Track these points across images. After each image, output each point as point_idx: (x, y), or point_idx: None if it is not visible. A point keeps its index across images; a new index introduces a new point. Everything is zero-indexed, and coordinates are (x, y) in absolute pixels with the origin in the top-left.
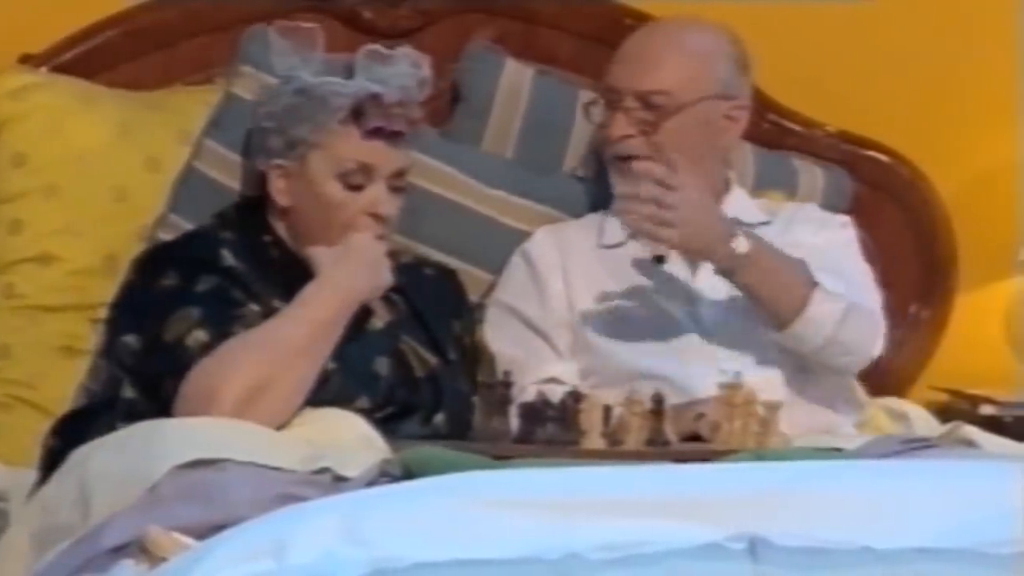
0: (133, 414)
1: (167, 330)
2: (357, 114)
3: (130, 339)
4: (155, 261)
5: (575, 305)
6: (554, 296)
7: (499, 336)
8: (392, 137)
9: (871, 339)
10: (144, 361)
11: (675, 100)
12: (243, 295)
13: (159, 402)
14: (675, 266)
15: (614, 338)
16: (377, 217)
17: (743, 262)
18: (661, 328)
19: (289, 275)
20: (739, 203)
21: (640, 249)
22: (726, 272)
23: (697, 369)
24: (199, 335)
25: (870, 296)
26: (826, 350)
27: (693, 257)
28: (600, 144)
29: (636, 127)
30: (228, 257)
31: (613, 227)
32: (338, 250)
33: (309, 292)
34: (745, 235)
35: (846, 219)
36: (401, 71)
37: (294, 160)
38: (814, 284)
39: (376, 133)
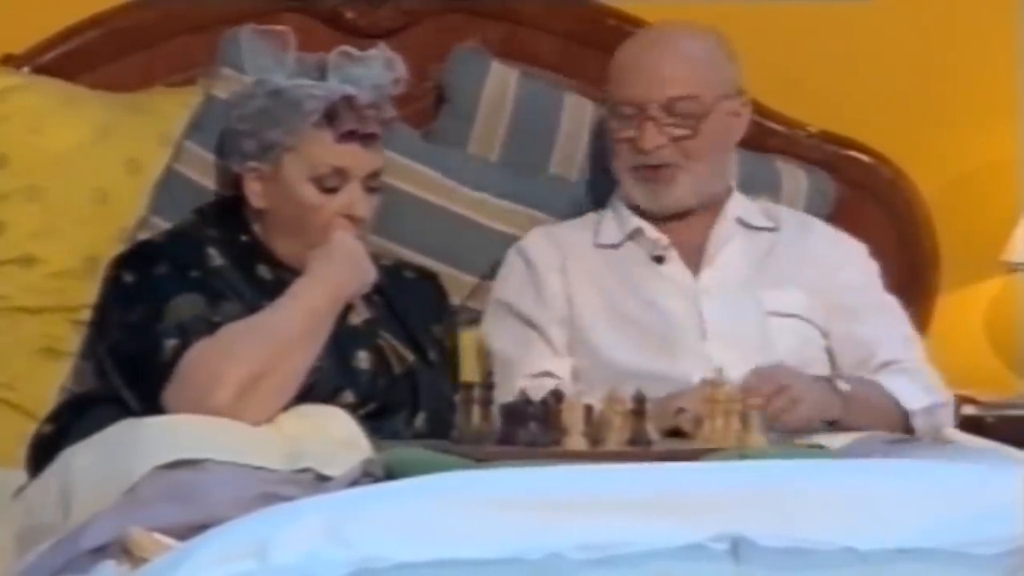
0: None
1: (168, 314)
2: (330, 117)
3: (123, 333)
4: (144, 256)
5: (575, 303)
6: (552, 293)
7: (497, 333)
8: (366, 139)
9: (947, 405)
10: (139, 344)
11: (702, 104)
12: (230, 292)
13: (146, 387)
14: (675, 266)
15: (613, 336)
16: (352, 218)
17: (849, 399)
18: (660, 328)
19: (269, 275)
20: (742, 205)
21: (638, 249)
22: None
23: (692, 368)
24: (201, 319)
25: (915, 344)
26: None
27: (820, 419)
28: (623, 155)
29: (666, 136)
30: (215, 256)
31: (609, 227)
32: (324, 249)
33: (301, 285)
34: (838, 378)
35: (864, 247)
36: (374, 71)
37: (268, 163)
38: (907, 414)
39: (350, 136)
